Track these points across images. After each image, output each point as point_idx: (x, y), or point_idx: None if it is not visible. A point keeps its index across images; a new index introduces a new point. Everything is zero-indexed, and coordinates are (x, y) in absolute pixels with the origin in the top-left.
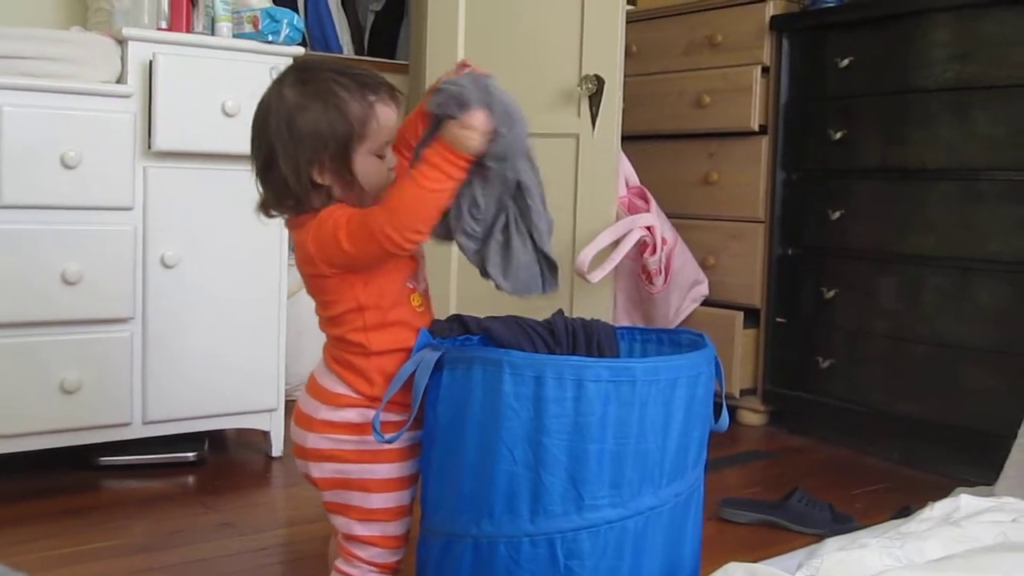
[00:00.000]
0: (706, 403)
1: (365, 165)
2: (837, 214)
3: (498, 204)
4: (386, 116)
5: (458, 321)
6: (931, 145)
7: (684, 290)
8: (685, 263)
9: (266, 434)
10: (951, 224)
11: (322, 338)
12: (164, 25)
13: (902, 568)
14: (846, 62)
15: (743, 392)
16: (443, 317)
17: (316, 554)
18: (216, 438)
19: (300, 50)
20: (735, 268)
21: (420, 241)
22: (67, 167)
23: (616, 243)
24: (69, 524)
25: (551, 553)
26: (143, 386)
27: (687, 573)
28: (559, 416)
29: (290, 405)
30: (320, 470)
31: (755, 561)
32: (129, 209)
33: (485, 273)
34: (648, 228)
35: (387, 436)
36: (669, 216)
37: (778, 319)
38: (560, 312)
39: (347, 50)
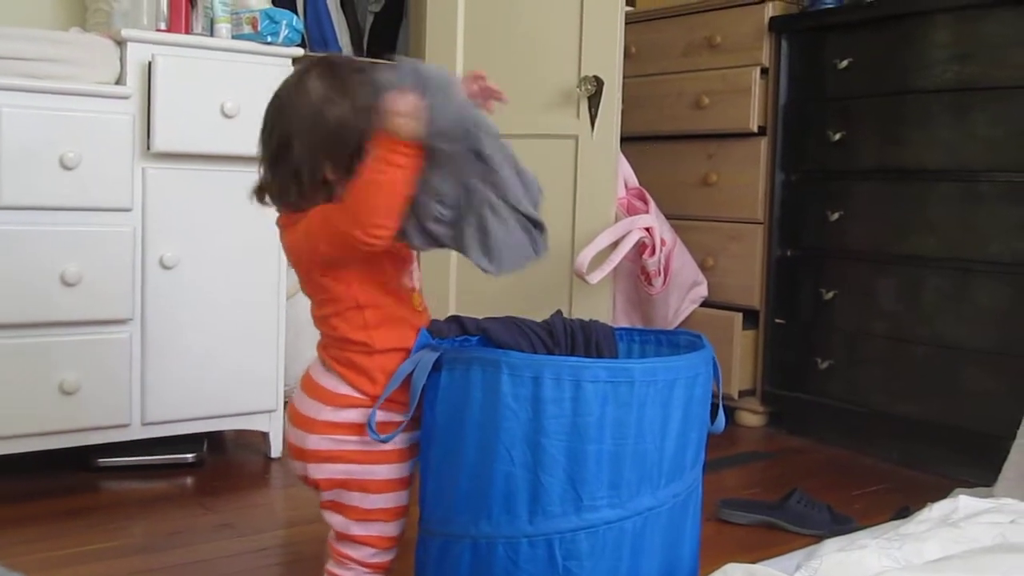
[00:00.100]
0: (704, 404)
1: None
2: (836, 215)
3: (462, 185)
4: None
5: (456, 322)
6: (931, 146)
7: (683, 291)
8: (684, 264)
9: (265, 435)
10: (951, 225)
11: None
12: (163, 26)
13: (900, 569)
14: (845, 63)
15: (742, 393)
16: (442, 318)
17: (315, 555)
18: (215, 439)
19: (299, 51)
20: (734, 269)
21: (385, 234)
22: (66, 168)
23: (615, 244)
24: (68, 525)
25: (549, 554)
26: (142, 387)
27: (686, 574)
28: (557, 417)
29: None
30: (321, 471)
31: (754, 562)
32: (128, 210)
33: (470, 257)
34: (647, 229)
35: (383, 436)
36: (668, 217)
37: (777, 320)
38: (559, 313)
39: (346, 51)
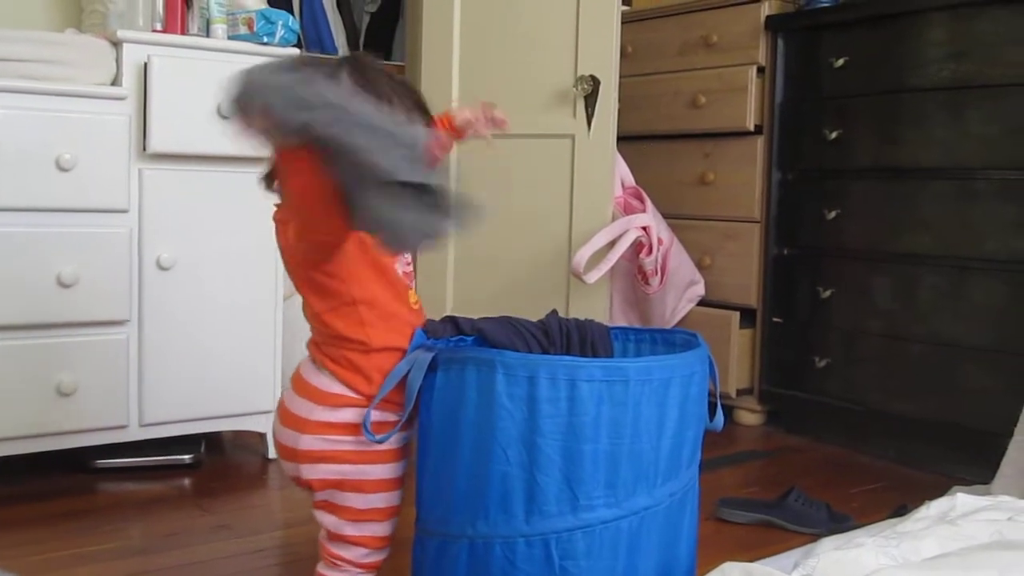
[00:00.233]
0: (700, 402)
1: None
2: (833, 214)
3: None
4: None
5: (452, 322)
6: (926, 144)
7: (680, 290)
8: (681, 263)
9: (262, 436)
10: (946, 223)
11: None
12: (159, 27)
13: (897, 567)
14: (841, 62)
15: (740, 392)
16: (439, 318)
17: (312, 556)
18: (212, 440)
19: (295, 51)
20: (731, 268)
21: (326, 232)
22: (62, 170)
23: (612, 243)
24: (65, 527)
25: (546, 553)
26: (139, 388)
27: (683, 573)
28: (553, 416)
29: None
30: (314, 472)
31: (752, 561)
32: (124, 211)
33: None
34: (644, 228)
35: (379, 436)
36: (665, 216)
37: (774, 319)
38: (554, 312)
39: (342, 51)
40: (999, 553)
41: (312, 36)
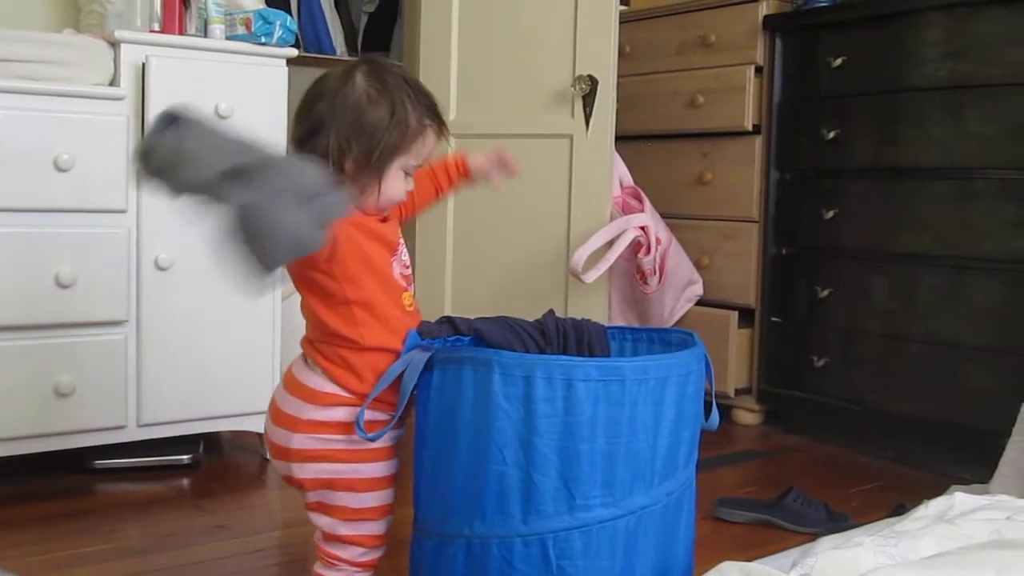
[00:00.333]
0: (696, 402)
1: (393, 176)
2: (831, 213)
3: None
4: (430, 143)
5: (448, 323)
6: (924, 144)
7: (678, 290)
8: (679, 263)
9: (261, 436)
10: (945, 223)
11: None
12: (157, 27)
13: (895, 566)
14: (839, 61)
15: (738, 391)
16: (438, 318)
17: (311, 556)
18: (211, 440)
19: (293, 52)
20: (729, 268)
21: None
22: (60, 170)
23: (610, 243)
24: (63, 528)
25: (543, 553)
26: (137, 389)
27: (680, 572)
28: (549, 416)
29: None
30: (305, 471)
31: (750, 560)
32: (123, 212)
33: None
34: (642, 228)
35: (371, 434)
36: (663, 216)
37: (772, 318)
38: (551, 312)
39: (340, 51)
40: (997, 552)
41: (310, 36)
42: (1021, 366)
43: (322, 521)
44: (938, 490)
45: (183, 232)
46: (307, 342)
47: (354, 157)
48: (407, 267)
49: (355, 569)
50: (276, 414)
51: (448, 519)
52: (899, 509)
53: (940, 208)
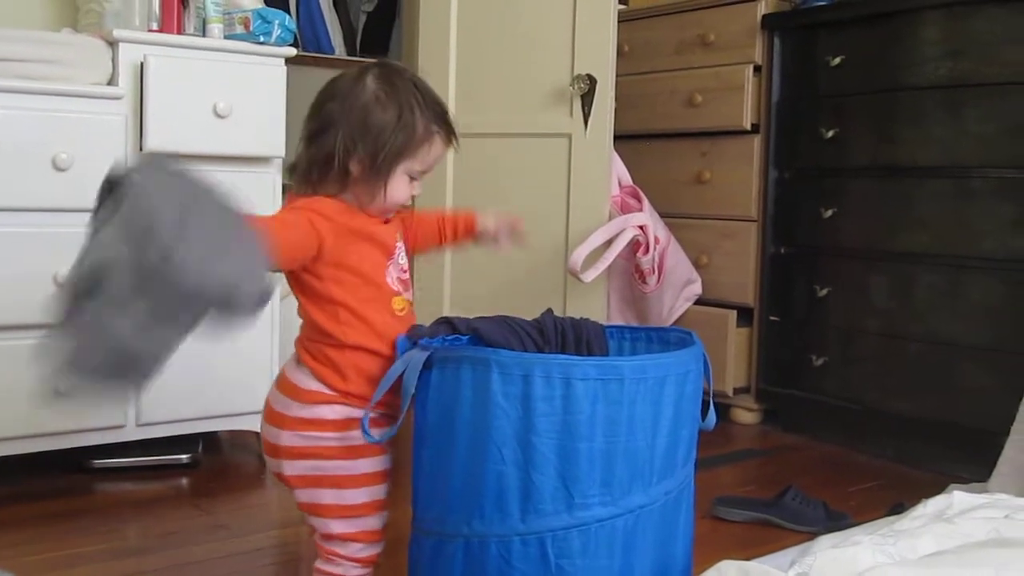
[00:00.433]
0: (695, 400)
1: (399, 179)
2: (830, 212)
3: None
4: (437, 150)
5: (446, 323)
6: (923, 143)
7: (677, 289)
8: (678, 262)
9: (259, 436)
10: (943, 222)
11: None
12: (155, 26)
13: (893, 565)
14: (838, 60)
15: (736, 390)
16: (438, 318)
17: (311, 556)
18: (210, 440)
19: (291, 51)
20: (728, 267)
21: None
22: (59, 169)
23: (609, 242)
24: (62, 527)
25: (542, 552)
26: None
27: (679, 571)
28: (548, 415)
29: None
30: (293, 468)
31: (748, 559)
32: None
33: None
34: (641, 227)
35: (373, 435)
36: (662, 215)
37: (771, 317)
38: (549, 311)
39: (339, 51)
40: (995, 551)
41: (308, 35)
42: (1019, 365)
43: (315, 521)
44: (936, 489)
45: None
46: (298, 341)
47: (359, 158)
48: (404, 271)
49: (354, 564)
50: (267, 412)
51: (447, 518)
52: (897, 508)
53: (939, 207)
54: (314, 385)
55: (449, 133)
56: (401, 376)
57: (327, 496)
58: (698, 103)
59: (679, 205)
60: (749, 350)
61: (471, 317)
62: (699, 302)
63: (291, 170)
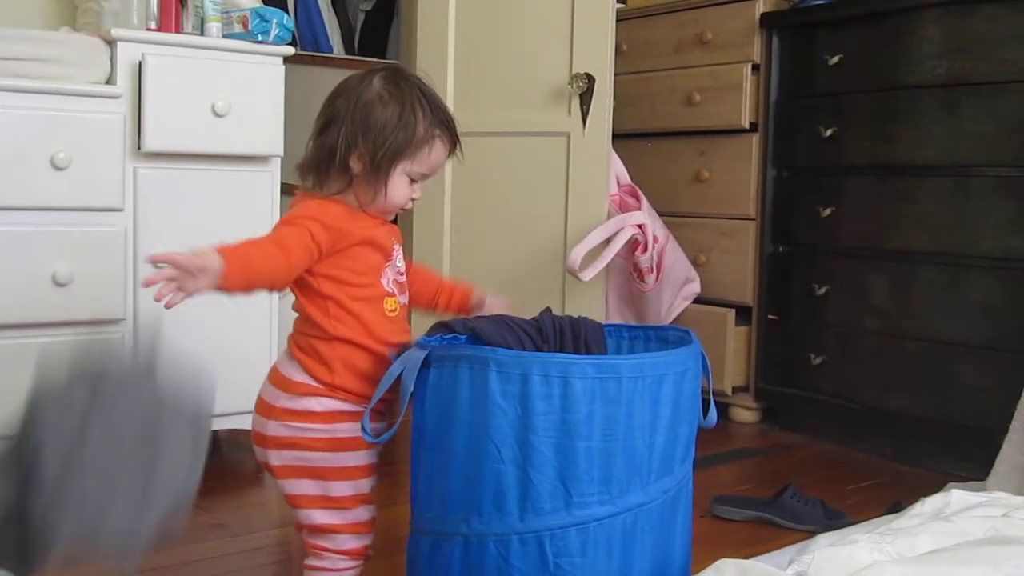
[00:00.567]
0: (693, 399)
1: (398, 180)
2: (828, 211)
3: None
4: (437, 154)
5: (445, 326)
6: (921, 141)
7: (676, 288)
8: (676, 261)
9: None
10: (942, 220)
11: None
12: (153, 25)
13: (891, 563)
14: (836, 59)
15: (735, 389)
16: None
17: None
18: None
19: (290, 50)
20: (726, 266)
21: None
22: (57, 168)
23: (607, 241)
24: None
25: (540, 551)
26: None
27: (677, 569)
28: (546, 414)
29: None
30: (279, 457)
31: (747, 557)
32: (119, 210)
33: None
34: (639, 226)
35: (373, 434)
36: (660, 214)
37: (770, 316)
38: (547, 310)
39: (337, 50)
40: (993, 549)
41: (307, 34)
42: (1018, 363)
43: (301, 513)
44: (935, 487)
45: (179, 231)
46: (290, 335)
47: (359, 154)
48: (401, 274)
49: (341, 557)
50: (258, 402)
51: (445, 517)
52: (896, 506)
53: (937, 206)
54: (301, 377)
55: (452, 139)
56: (399, 376)
57: (311, 487)
58: (696, 102)
59: (677, 204)
60: (747, 349)
61: (469, 317)
62: (697, 301)
63: (300, 167)
